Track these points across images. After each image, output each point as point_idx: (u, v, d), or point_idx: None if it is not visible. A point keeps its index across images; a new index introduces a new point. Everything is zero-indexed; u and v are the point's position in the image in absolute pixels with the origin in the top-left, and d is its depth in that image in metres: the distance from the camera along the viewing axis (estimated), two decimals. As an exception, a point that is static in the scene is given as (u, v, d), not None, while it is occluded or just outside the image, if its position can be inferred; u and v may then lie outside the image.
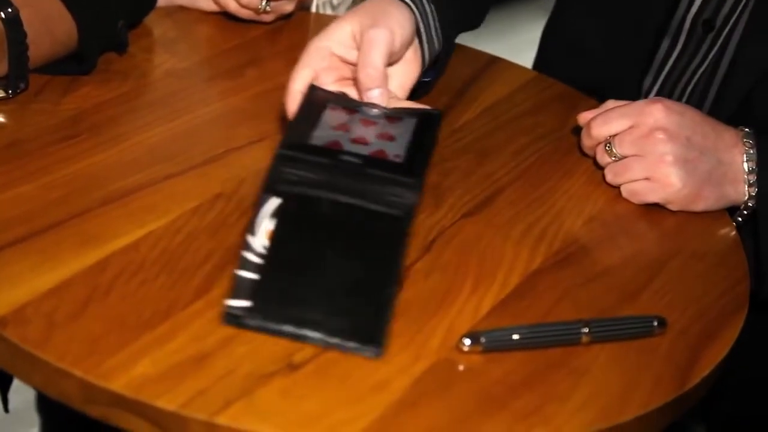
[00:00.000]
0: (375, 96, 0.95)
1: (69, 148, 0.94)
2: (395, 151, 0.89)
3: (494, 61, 1.24)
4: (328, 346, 0.76)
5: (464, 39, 1.18)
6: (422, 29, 1.01)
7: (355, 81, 0.96)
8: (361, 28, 0.96)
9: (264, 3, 1.20)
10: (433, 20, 1.03)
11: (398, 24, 0.97)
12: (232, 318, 0.76)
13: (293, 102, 0.95)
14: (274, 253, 0.79)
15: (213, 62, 1.15)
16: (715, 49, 1.14)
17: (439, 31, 1.04)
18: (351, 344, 0.76)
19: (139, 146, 0.97)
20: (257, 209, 0.82)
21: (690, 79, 1.16)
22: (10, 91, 0.98)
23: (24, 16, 0.96)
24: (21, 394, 1.34)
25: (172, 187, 0.91)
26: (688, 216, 0.99)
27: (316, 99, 0.95)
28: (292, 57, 1.17)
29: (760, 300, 1.00)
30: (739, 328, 0.86)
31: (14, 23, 0.95)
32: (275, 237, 0.81)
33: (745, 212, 1.00)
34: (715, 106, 1.14)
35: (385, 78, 0.96)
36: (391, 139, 0.91)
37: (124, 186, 0.90)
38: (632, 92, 1.20)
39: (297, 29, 1.24)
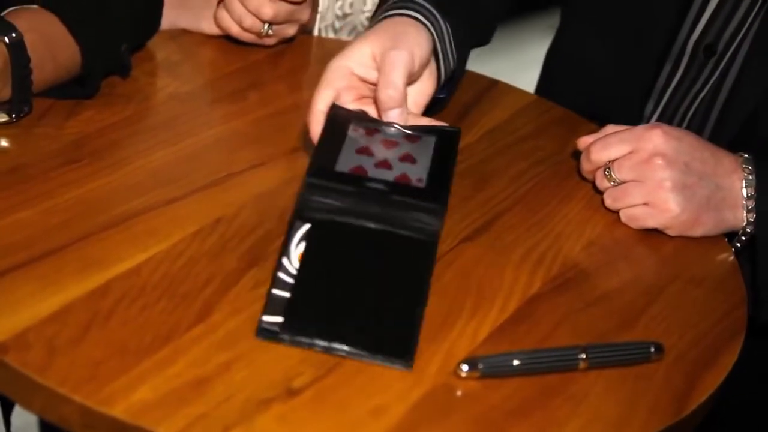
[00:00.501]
0: (395, 115, 0.97)
1: (71, 173, 0.95)
2: (418, 174, 0.92)
3: (494, 84, 1.25)
4: (359, 359, 0.78)
5: (470, 57, 1.19)
6: (439, 48, 1.03)
7: (375, 100, 0.98)
8: (382, 49, 0.97)
9: (266, 27, 1.20)
10: (449, 38, 1.04)
11: (417, 45, 0.98)
12: (267, 333, 0.79)
13: (316, 123, 0.97)
14: (304, 274, 0.83)
15: (215, 86, 1.16)
16: (717, 73, 1.14)
17: (454, 49, 1.05)
18: (380, 357, 0.78)
19: (141, 170, 0.97)
20: (289, 234, 0.86)
21: (691, 104, 1.17)
22: (13, 115, 0.99)
23: (28, 40, 0.97)
24: (22, 416, 1.34)
25: (174, 211, 0.92)
26: (686, 241, 0.99)
27: (339, 119, 0.97)
28: (294, 80, 1.19)
29: (757, 325, 1.00)
30: (736, 354, 0.86)
31: (18, 48, 0.96)
32: (305, 259, 0.84)
33: (744, 237, 1.01)
34: (716, 131, 1.15)
35: (404, 98, 0.97)
36: (413, 161, 0.93)
37: (125, 210, 0.91)
38: (634, 116, 1.20)
39: (299, 53, 1.25)
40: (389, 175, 0.91)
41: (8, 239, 0.84)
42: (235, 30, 1.21)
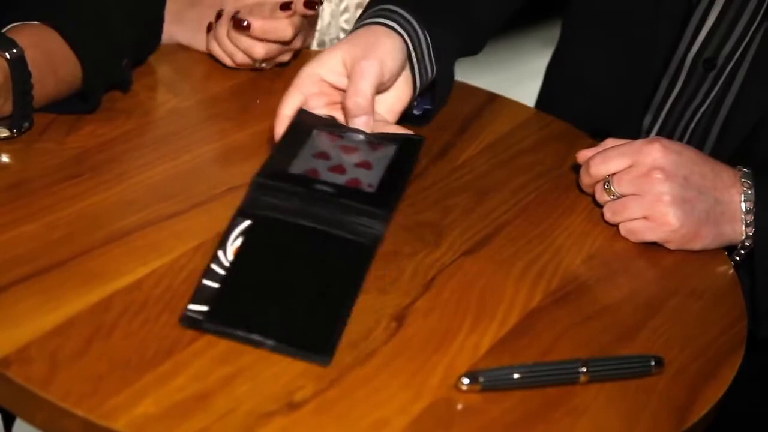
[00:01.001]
0: (360, 122, 0.99)
1: (72, 188, 0.95)
2: (370, 180, 0.92)
3: (494, 98, 1.25)
4: (276, 351, 0.78)
5: (468, 69, 1.20)
6: (414, 57, 1.03)
7: (344, 107, 0.99)
8: (352, 57, 0.99)
9: (258, 63, 1.21)
10: (427, 48, 1.05)
11: (388, 55, 1.00)
12: (190, 321, 0.80)
13: (281, 126, 0.99)
14: (236, 267, 0.84)
15: (215, 100, 1.16)
16: (717, 88, 1.15)
17: (432, 58, 1.06)
18: (298, 350, 0.78)
19: (142, 185, 0.98)
20: (228, 229, 0.87)
21: (692, 118, 1.17)
22: (14, 131, 0.99)
23: (29, 56, 0.97)
24: (24, 427, 1.34)
25: (175, 226, 0.92)
26: (686, 254, 1.00)
27: (303, 124, 0.98)
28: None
29: (757, 339, 1.00)
30: (736, 367, 0.87)
31: (19, 63, 0.96)
32: (239, 253, 0.85)
33: (743, 251, 1.01)
34: (717, 145, 1.15)
35: (372, 106, 0.99)
36: (369, 167, 0.94)
37: (127, 225, 0.91)
38: (633, 130, 1.21)
39: (299, 67, 1.25)
40: (341, 179, 0.92)
41: (11, 253, 0.85)
42: (227, 62, 1.21)
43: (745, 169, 1.01)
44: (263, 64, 1.22)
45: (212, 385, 0.75)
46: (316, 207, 0.88)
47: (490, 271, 0.93)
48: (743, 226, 1.00)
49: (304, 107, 1.00)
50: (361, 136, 0.98)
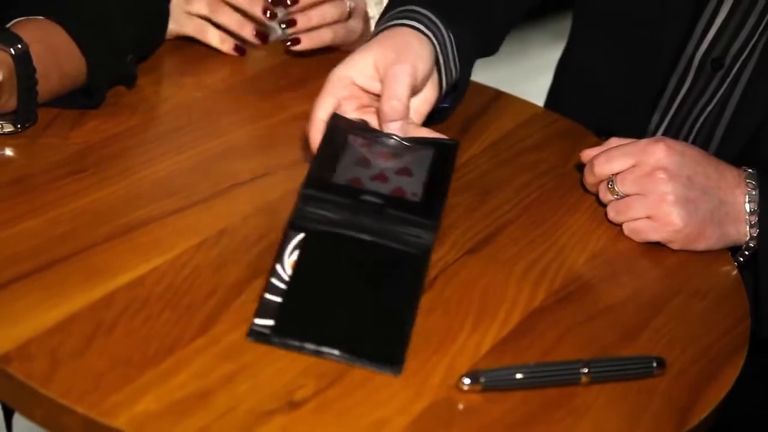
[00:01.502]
0: (396, 127, 0.98)
1: (76, 183, 0.95)
2: (413, 188, 0.92)
3: (499, 95, 1.25)
4: (349, 363, 0.78)
5: (477, 64, 1.19)
6: (441, 59, 1.03)
7: (378, 111, 0.99)
8: (385, 60, 0.98)
9: (279, 28, 1.21)
10: (452, 49, 1.05)
11: (420, 58, 0.99)
12: (258, 335, 0.80)
13: (316, 131, 0.98)
14: (296, 280, 0.84)
15: (220, 96, 1.16)
16: (724, 87, 1.15)
17: (457, 59, 1.05)
18: (370, 362, 0.78)
19: (146, 180, 0.98)
20: (283, 243, 0.87)
21: (698, 117, 1.17)
22: (19, 126, 0.99)
23: (34, 51, 0.97)
24: (23, 420, 1.35)
25: (178, 222, 0.92)
26: (689, 255, 0.99)
27: (338, 129, 0.98)
28: (300, 90, 1.19)
29: (760, 340, 1.00)
30: (739, 368, 0.86)
31: (24, 59, 0.96)
32: (298, 266, 0.85)
33: (747, 252, 1.01)
34: (723, 145, 1.15)
35: (407, 110, 0.98)
36: (410, 174, 0.94)
37: (130, 221, 0.91)
38: (640, 130, 1.20)
39: (306, 63, 1.25)
40: (385, 188, 0.92)
41: (12, 249, 0.85)
42: (248, 30, 1.22)
43: (750, 170, 1.01)
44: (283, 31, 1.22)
45: (213, 383, 0.75)
46: (364, 218, 0.89)
47: (493, 270, 0.93)
48: (747, 227, 0.99)
49: (337, 111, 0.99)
50: (395, 141, 0.98)
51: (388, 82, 0.97)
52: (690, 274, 0.97)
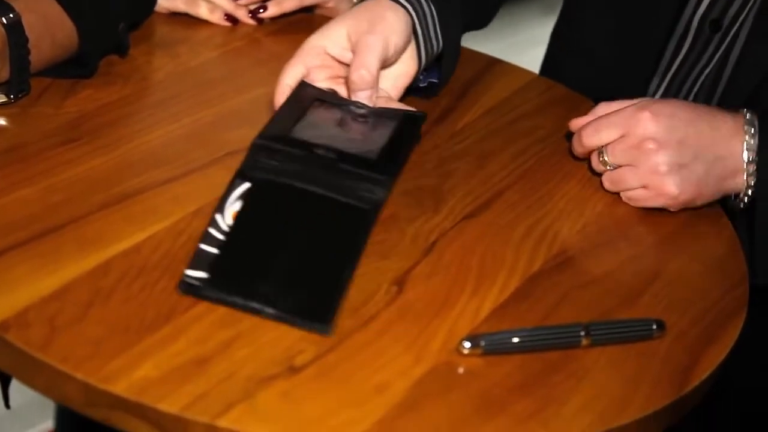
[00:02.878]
0: (364, 96, 0.98)
1: (70, 152, 0.94)
2: (370, 147, 0.92)
3: (494, 62, 1.25)
4: (276, 320, 0.77)
5: (468, 38, 1.19)
6: (419, 32, 1.02)
7: (347, 81, 0.99)
8: (357, 31, 0.99)
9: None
10: (432, 22, 1.04)
11: (393, 30, 1.00)
12: (188, 287, 0.79)
13: (281, 95, 0.98)
14: (235, 232, 0.83)
15: (213, 64, 1.16)
16: (722, 48, 1.14)
17: (438, 32, 1.05)
18: (298, 320, 0.77)
19: (140, 149, 0.97)
20: (227, 191, 0.86)
21: (696, 80, 1.16)
22: (12, 96, 0.98)
23: (25, 20, 0.96)
24: (22, 393, 1.34)
25: (174, 190, 0.92)
26: (687, 219, 0.99)
27: (304, 95, 0.98)
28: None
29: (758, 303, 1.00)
30: (738, 331, 0.86)
31: (16, 28, 0.95)
32: (239, 217, 0.84)
33: (745, 199, 1.00)
34: (721, 105, 1.14)
35: (376, 80, 0.98)
36: (370, 137, 0.94)
37: (125, 189, 0.90)
38: (639, 95, 1.20)
39: (299, 30, 1.24)
40: (342, 146, 0.91)
41: (7, 218, 0.84)
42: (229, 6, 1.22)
43: (748, 114, 0.99)
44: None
45: (212, 349, 0.75)
46: (316, 171, 0.88)
47: (491, 235, 0.93)
48: (745, 176, 0.98)
49: (306, 79, 0.99)
50: (362, 110, 0.98)
51: (358, 52, 0.98)
52: (688, 238, 0.97)
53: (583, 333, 0.81)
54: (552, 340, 0.81)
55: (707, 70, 1.15)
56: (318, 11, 1.30)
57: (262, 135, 0.90)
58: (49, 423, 1.92)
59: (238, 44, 1.20)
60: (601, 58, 1.24)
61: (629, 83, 1.20)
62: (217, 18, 1.23)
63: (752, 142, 0.98)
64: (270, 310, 0.78)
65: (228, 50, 1.19)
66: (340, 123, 0.96)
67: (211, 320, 0.78)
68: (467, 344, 0.78)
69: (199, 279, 0.79)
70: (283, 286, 0.80)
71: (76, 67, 1.05)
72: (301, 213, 0.86)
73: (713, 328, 0.86)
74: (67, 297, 0.77)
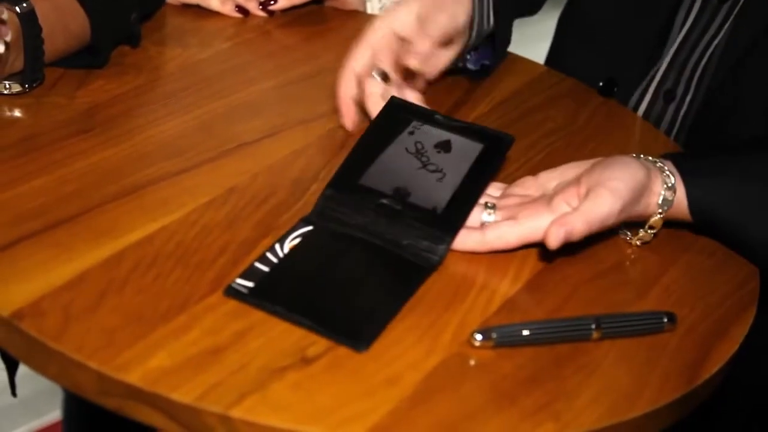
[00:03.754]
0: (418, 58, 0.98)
1: (83, 142, 0.95)
2: (442, 193, 0.90)
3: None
4: (316, 332, 0.77)
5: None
6: (476, 16, 1.02)
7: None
8: (426, 11, 0.99)
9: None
10: (488, 6, 1.04)
11: (461, 9, 1.01)
12: (233, 292, 0.79)
13: (347, 81, 0.97)
14: (289, 258, 0.84)
15: (225, 56, 1.16)
16: (730, 20, 1.12)
17: (491, 15, 1.04)
18: (336, 335, 0.77)
19: (153, 140, 0.97)
20: (290, 230, 0.87)
21: (704, 52, 1.14)
22: (26, 85, 0.99)
23: (39, 10, 0.97)
24: (30, 384, 1.35)
25: (186, 181, 0.92)
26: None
27: (390, 117, 0.96)
28: (306, 50, 1.18)
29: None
30: (748, 325, 0.86)
31: (30, 18, 0.96)
32: (296, 248, 0.85)
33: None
34: (732, 78, 1.12)
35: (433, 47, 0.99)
36: (445, 176, 0.92)
37: (137, 180, 0.91)
38: (650, 66, 1.18)
39: (309, 23, 1.24)
40: (411, 192, 0.90)
41: (22, 207, 0.85)
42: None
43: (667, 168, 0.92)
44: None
45: (225, 339, 0.75)
46: (379, 224, 0.88)
47: (502, 228, 0.93)
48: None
49: (370, 63, 0.99)
50: (447, 134, 0.95)
51: (425, 24, 0.97)
52: (697, 232, 0.97)
53: (593, 326, 0.81)
54: (563, 333, 0.81)
55: (715, 42, 1.13)
56: (328, 3, 1.30)
57: (332, 183, 0.90)
58: (57, 413, 1.93)
59: (249, 36, 1.21)
60: (610, 38, 1.22)
61: (638, 59, 1.18)
62: (228, 9, 1.23)
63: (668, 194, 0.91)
64: (308, 322, 0.78)
65: (239, 42, 1.19)
66: (418, 158, 0.93)
67: (225, 311, 0.78)
68: (479, 336, 0.79)
69: (246, 287, 0.80)
70: (327, 306, 0.80)
71: (89, 57, 1.05)
72: (356, 257, 0.86)
73: (724, 322, 0.86)
74: (81, 286, 0.77)
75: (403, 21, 0.98)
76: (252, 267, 0.82)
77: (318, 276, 0.83)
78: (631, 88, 1.19)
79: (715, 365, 0.82)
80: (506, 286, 0.86)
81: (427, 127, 0.96)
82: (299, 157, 0.98)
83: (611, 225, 0.87)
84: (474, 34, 1.03)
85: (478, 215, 0.90)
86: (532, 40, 1.73)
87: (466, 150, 0.94)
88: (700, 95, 1.14)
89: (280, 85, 1.10)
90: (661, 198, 0.90)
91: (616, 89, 1.19)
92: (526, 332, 0.80)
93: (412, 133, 0.96)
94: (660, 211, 0.90)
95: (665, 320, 0.83)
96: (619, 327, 0.82)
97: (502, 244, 0.88)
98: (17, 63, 0.97)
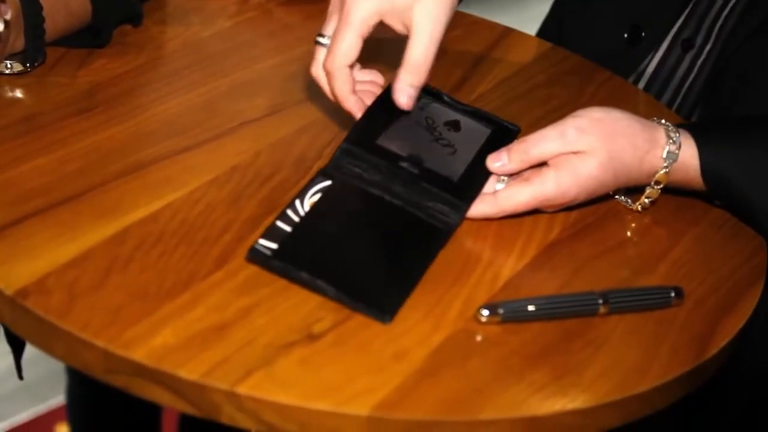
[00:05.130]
0: (408, 81, 0.91)
1: (85, 121, 0.94)
2: (456, 165, 0.91)
3: (508, 32, 1.24)
4: (339, 302, 0.77)
5: (474, 11, 1.19)
6: None
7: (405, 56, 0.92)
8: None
9: None
10: None
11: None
12: (257, 254, 0.79)
13: (342, 83, 0.92)
14: (311, 217, 0.84)
15: (227, 34, 1.15)
16: None
17: None
18: (361, 305, 0.77)
19: (155, 119, 0.97)
20: (309, 184, 0.87)
21: (718, 15, 1.12)
22: (28, 65, 0.98)
23: (39, -11, 0.96)
24: (35, 368, 1.35)
25: (189, 160, 0.91)
26: (704, 187, 0.99)
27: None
28: (308, 28, 1.17)
29: None
30: (756, 299, 0.86)
31: (30, -4, 0.95)
32: (316, 206, 0.85)
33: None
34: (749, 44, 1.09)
35: (427, 72, 0.92)
36: (457, 152, 0.93)
37: (140, 158, 0.90)
38: (669, 22, 1.16)
39: (310, 2, 1.23)
40: (427, 160, 0.91)
41: (26, 186, 0.84)
42: None
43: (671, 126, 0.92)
44: None
45: (231, 316, 0.75)
46: (397, 184, 0.88)
47: (508, 204, 0.92)
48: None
49: (355, 48, 0.93)
50: (456, 114, 0.97)
51: (417, 32, 0.91)
52: (706, 206, 0.97)
53: (601, 301, 0.81)
54: (570, 308, 0.80)
55: (732, 2, 1.11)
56: None
57: (349, 139, 0.90)
58: (61, 398, 1.93)
59: (250, 14, 1.20)
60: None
61: (662, 8, 1.16)
62: None
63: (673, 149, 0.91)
64: (333, 292, 0.78)
65: (241, 21, 1.18)
66: (430, 131, 0.94)
67: (230, 288, 0.78)
68: (485, 312, 0.78)
69: (270, 249, 0.80)
70: (350, 272, 0.80)
71: (90, 37, 1.04)
72: (376, 216, 0.86)
73: (732, 296, 0.86)
74: (86, 264, 0.77)
75: (393, 3, 0.91)
76: (273, 226, 0.82)
77: (340, 238, 0.83)
78: (660, 37, 1.16)
79: (723, 339, 0.81)
80: (512, 262, 0.86)
81: (436, 105, 0.97)
82: (302, 135, 0.97)
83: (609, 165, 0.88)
84: None
85: (491, 184, 0.90)
86: (531, 22, 1.72)
87: (475, 132, 0.96)
88: (718, 47, 1.12)
89: (282, 63, 1.10)
90: (666, 151, 0.90)
91: (643, 35, 1.17)
92: (532, 308, 0.79)
93: (422, 108, 0.96)
94: (665, 165, 0.90)
95: (673, 295, 0.83)
96: (627, 302, 0.82)
97: (514, 203, 0.88)
98: (18, 42, 0.96)
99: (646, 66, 1.17)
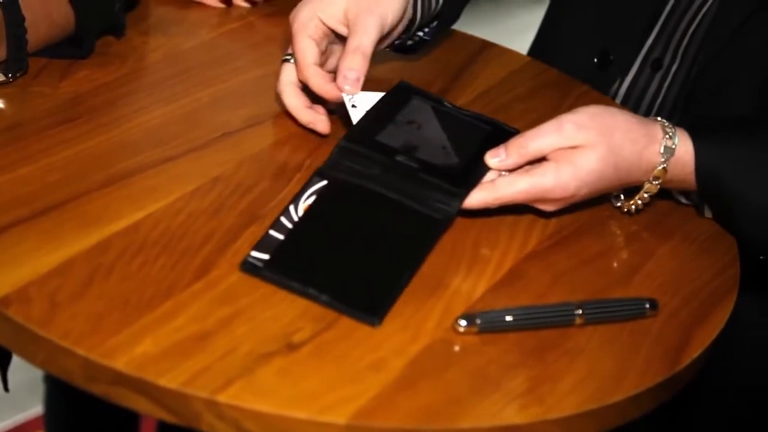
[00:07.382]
0: (351, 78, 0.96)
1: (68, 131, 0.95)
2: (454, 159, 0.92)
3: (487, 46, 1.25)
4: (329, 307, 0.78)
5: (456, 24, 1.20)
6: (417, 7, 1.02)
7: (341, 60, 0.97)
8: (356, 8, 0.97)
9: None
10: None
11: (390, 9, 0.99)
12: (250, 266, 0.80)
13: (313, 77, 0.96)
14: (303, 223, 0.85)
15: (210, 46, 1.16)
16: None
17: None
18: (350, 309, 0.78)
19: (138, 129, 0.97)
20: (304, 187, 0.88)
21: (692, 20, 1.13)
22: (9, 75, 0.98)
23: (22, -1, 0.96)
24: (14, 377, 1.35)
25: (172, 170, 0.92)
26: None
27: (400, 94, 0.98)
28: (290, 40, 1.18)
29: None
30: (729, 310, 0.88)
31: (12, 6, 0.96)
32: (310, 210, 0.86)
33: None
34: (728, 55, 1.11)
35: (367, 64, 0.97)
36: (455, 149, 0.94)
37: (123, 168, 0.91)
38: (638, 44, 1.18)
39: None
40: (424, 155, 0.92)
41: (8, 195, 0.85)
42: None
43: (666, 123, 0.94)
44: None
45: (211, 325, 0.76)
46: (394, 177, 0.89)
47: (486, 216, 0.93)
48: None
49: (311, 39, 0.98)
50: (457, 116, 0.98)
51: (355, 33, 0.97)
52: (680, 219, 0.98)
53: (577, 312, 0.82)
54: (546, 319, 0.82)
55: (704, 9, 1.12)
56: None
57: (347, 137, 0.91)
58: (40, 407, 1.93)
59: (232, 26, 1.21)
60: (603, 7, 1.21)
61: (631, 31, 1.17)
62: (212, 1, 1.23)
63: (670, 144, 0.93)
64: (325, 298, 0.79)
65: (223, 32, 1.19)
66: (429, 130, 0.96)
67: (211, 297, 0.78)
68: (463, 322, 0.79)
69: (262, 260, 0.81)
70: (341, 277, 0.81)
71: (73, 47, 1.05)
72: (372, 214, 0.87)
73: (705, 308, 0.87)
74: (68, 273, 0.78)
75: (331, 13, 0.98)
76: (266, 235, 0.83)
77: (332, 241, 0.84)
78: (628, 60, 1.18)
79: (696, 350, 0.83)
80: (490, 273, 0.87)
81: (436, 108, 0.99)
82: (284, 147, 0.98)
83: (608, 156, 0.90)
84: (418, 18, 1.03)
85: (490, 175, 0.91)
86: (514, 33, 1.74)
87: (474, 133, 0.97)
88: (686, 65, 1.14)
89: (265, 75, 1.10)
90: (663, 146, 0.92)
91: (612, 58, 1.19)
92: (509, 318, 0.80)
93: (422, 110, 0.98)
94: (663, 160, 0.92)
95: (647, 306, 0.84)
96: (602, 313, 0.83)
97: (513, 191, 0.89)
98: (0, 52, 0.97)
99: (618, 87, 1.19)
